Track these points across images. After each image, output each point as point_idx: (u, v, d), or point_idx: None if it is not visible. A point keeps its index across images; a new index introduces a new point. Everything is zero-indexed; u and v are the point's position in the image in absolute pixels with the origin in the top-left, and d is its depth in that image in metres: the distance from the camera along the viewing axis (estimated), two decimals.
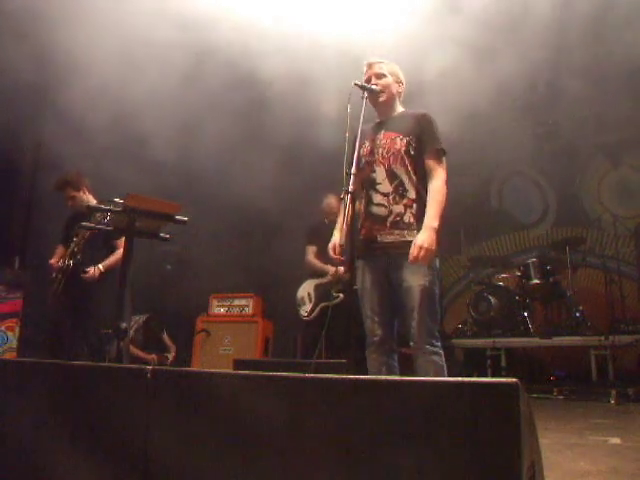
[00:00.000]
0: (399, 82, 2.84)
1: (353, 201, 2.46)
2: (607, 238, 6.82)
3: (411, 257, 2.45)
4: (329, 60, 4.34)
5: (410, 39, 4.10)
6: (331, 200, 4.82)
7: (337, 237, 2.66)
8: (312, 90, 4.62)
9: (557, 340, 5.75)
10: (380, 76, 2.77)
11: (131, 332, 5.04)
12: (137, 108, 4.46)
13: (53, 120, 4.79)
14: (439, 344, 2.54)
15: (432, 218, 2.51)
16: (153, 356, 5.70)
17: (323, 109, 4.79)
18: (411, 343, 2.55)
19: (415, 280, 2.52)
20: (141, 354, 5.63)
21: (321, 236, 4.83)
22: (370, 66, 2.81)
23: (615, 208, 6.97)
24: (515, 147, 7.20)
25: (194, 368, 5.43)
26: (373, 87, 2.72)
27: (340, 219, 2.80)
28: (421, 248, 2.43)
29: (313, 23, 4.39)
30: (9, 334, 5.30)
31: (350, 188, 2.43)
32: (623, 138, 7.11)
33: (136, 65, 4.35)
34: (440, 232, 2.52)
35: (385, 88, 2.76)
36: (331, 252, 2.65)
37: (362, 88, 2.68)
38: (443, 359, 2.54)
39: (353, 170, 2.48)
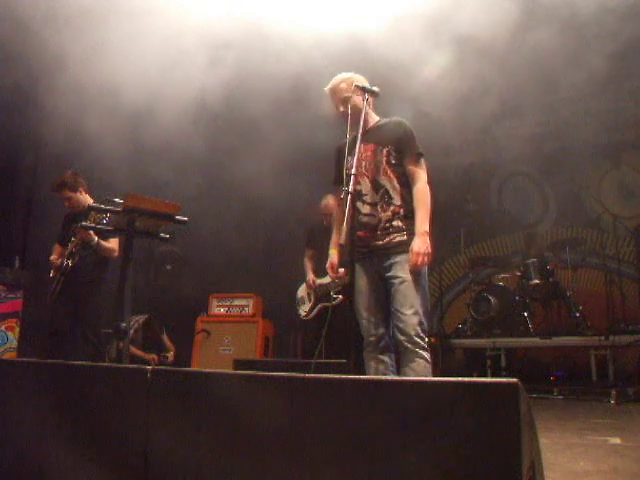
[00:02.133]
0: (364, 94, 2.76)
1: (353, 202, 2.49)
2: (607, 238, 6.81)
3: (412, 266, 2.58)
4: (330, 60, 4.34)
5: (408, 38, 4.10)
6: (329, 201, 4.83)
7: (334, 256, 2.85)
8: (313, 91, 4.61)
9: (557, 340, 5.74)
10: (346, 100, 2.78)
11: (131, 332, 5.04)
12: (137, 108, 4.46)
13: (53, 120, 4.79)
14: (426, 339, 2.61)
15: (422, 223, 2.64)
16: (153, 356, 5.70)
17: (324, 110, 4.78)
18: (401, 337, 2.58)
19: (407, 275, 2.60)
20: (141, 354, 5.63)
21: (317, 238, 4.86)
22: (332, 92, 2.84)
23: (615, 208, 6.96)
24: (515, 147, 7.20)
25: (194, 368, 5.43)
26: (374, 89, 2.74)
27: (335, 230, 2.91)
28: (418, 254, 2.58)
29: (314, 22, 4.38)
30: (9, 334, 5.29)
31: (350, 189, 2.44)
32: (623, 138, 7.11)
33: (137, 67, 4.34)
34: (431, 232, 2.64)
35: (354, 109, 2.74)
36: (329, 271, 2.87)
37: (363, 90, 2.69)
38: (429, 355, 2.59)
39: (353, 170, 2.50)
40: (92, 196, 4.18)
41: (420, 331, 2.55)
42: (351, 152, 2.76)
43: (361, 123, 2.64)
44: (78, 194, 4.15)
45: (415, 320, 2.54)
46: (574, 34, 4.53)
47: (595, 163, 7.38)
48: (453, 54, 4.35)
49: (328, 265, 2.88)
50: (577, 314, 5.97)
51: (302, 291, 4.95)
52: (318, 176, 5.69)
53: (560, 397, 5.21)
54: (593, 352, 5.49)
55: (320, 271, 4.80)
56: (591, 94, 5.70)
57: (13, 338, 5.30)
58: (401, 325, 2.56)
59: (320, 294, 4.75)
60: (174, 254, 6.83)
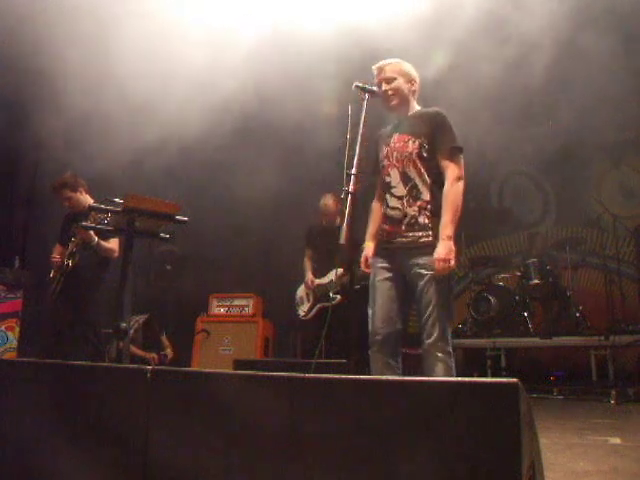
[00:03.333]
0: (411, 81, 2.81)
1: (353, 202, 2.46)
2: (607, 238, 6.81)
3: (436, 272, 2.50)
4: (329, 60, 4.34)
5: (408, 38, 4.10)
6: (328, 201, 4.83)
7: (369, 249, 2.78)
8: (313, 91, 4.62)
9: (557, 340, 5.74)
10: (390, 80, 2.77)
11: (131, 332, 5.04)
12: (138, 108, 4.46)
13: (53, 120, 4.78)
14: (450, 344, 2.55)
15: (446, 227, 2.53)
16: (153, 355, 5.69)
17: (324, 110, 4.79)
18: (424, 341, 2.54)
19: (431, 279, 2.53)
20: (141, 353, 5.63)
21: (316, 238, 4.86)
22: (380, 70, 2.80)
23: (615, 208, 6.95)
24: (515, 147, 7.19)
25: (194, 368, 5.43)
26: (374, 89, 2.71)
27: (371, 221, 2.89)
28: (440, 261, 2.49)
29: (313, 22, 4.38)
30: (9, 334, 5.30)
31: (350, 188, 2.43)
32: (623, 138, 7.10)
33: (135, 66, 4.34)
34: (457, 233, 2.56)
35: (396, 92, 2.76)
36: (362, 265, 2.79)
37: (363, 90, 2.68)
38: (453, 360, 2.54)
39: (353, 170, 2.48)
40: (92, 196, 4.19)
41: (443, 335, 2.50)
42: (386, 141, 2.78)
43: (361, 122, 2.62)
44: (78, 194, 4.16)
45: (438, 325, 2.50)
46: (575, 33, 4.53)
47: (595, 163, 7.37)
48: (454, 54, 4.34)
49: (362, 259, 2.79)
50: (577, 314, 5.97)
51: (301, 291, 4.95)
52: (318, 176, 5.70)
53: (560, 397, 5.21)
54: (593, 352, 5.49)
55: (319, 271, 4.81)
56: (591, 94, 5.69)
57: (13, 338, 5.31)
58: (425, 329, 2.53)
59: (319, 294, 4.75)
60: (174, 254, 6.83)
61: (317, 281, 4.76)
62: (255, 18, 4.52)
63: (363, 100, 2.65)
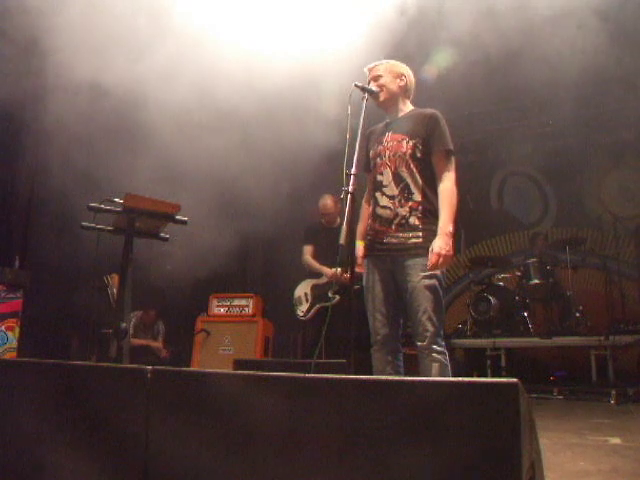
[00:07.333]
0: (400, 76, 2.82)
1: (353, 202, 2.46)
2: (607, 238, 6.81)
3: (430, 265, 2.48)
4: (329, 60, 4.33)
5: (409, 38, 4.10)
6: (327, 201, 4.82)
7: (360, 248, 2.75)
8: (313, 90, 4.61)
9: (557, 340, 5.74)
10: (377, 78, 2.80)
11: (130, 329, 5.05)
12: (138, 108, 4.46)
13: (53, 120, 4.78)
14: (443, 343, 2.56)
15: (446, 223, 2.53)
16: (158, 344, 5.67)
17: (324, 110, 4.78)
18: (417, 343, 2.55)
19: (420, 280, 2.53)
20: (144, 342, 5.61)
21: (317, 236, 4.85)
22: (369, 70, 2.85)
23: (615, 208, 6.96)
24: (515, 147, 7.20)
25: (194, 368, 5.43)
26: (373, 88, 2.74)
27: (360, 220, 2.88)
28: (439, 255, 2.47)
29: (313, 22, 4.38)
30: (9, 334, 5.29)
31: (350, 188, 2.43)
32: (623, 138, 7.11)
33: (131, 64, 4.34)
34: (455, 235, 2.55)
35: (382, 87, 2.78)
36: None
37: (362, 89, 2.69)
38: (447, 358, 2.55)
39: (353, 170, 2.48)
40: None
41: (435, 336, 2.51)
42: (378, 139, 2.79)
43: (361, 121, 2.62)
44: None
45: (429, 326, 2.50)
46: (575, 32, 4.53)
47: (595, 163, 7.38)
48: (453, 54, 4.35)
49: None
50: (577, 314, 5.97)
51: (299, 291, 4.93)
52: (317, 176, 5.70)
53: (560, 397, 5.21)
54: (593, 352, 5.49)
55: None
56: (591, 94, 5.71)
57: (13, 338, 5.30)
58: (416, 331, 2.54)
59: (318, 294, 4.74)
60: (173, 255, 6.82)
61: (315, 281, 4.76)
62: (256, 16, 4.53)
63: (363, 100, 2.66)
